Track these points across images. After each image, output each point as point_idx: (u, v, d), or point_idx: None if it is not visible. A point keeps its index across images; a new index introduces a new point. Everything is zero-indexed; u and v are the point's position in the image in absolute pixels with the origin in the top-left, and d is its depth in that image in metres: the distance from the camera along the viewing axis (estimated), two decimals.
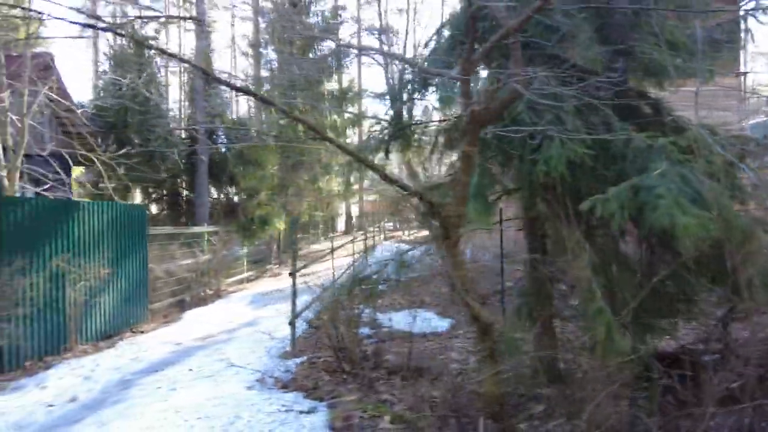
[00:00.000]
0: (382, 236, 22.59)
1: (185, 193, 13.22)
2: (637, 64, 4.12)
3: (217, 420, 3.95)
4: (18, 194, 6.97)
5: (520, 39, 3.08)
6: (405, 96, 4.63)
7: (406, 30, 27.75)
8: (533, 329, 4.06)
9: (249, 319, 8.67)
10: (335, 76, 19.11)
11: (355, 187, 19.87)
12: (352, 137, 19.49)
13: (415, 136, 4.69)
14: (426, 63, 4.23)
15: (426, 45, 4.35)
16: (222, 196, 12.78)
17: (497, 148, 3.84)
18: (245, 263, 12.96)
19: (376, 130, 5.10)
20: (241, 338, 7.11)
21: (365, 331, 6.81)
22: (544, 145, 3.49)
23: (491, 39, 2.48)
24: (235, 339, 7.10)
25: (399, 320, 7.32)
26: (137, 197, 13.55)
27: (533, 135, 3.35)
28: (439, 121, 4.63)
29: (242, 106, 25.30)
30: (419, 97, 4.46)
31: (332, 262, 10.48)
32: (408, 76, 4.37)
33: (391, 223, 26.08)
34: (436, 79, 3.89)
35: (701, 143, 3.32)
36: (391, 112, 4.66)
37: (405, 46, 26.24)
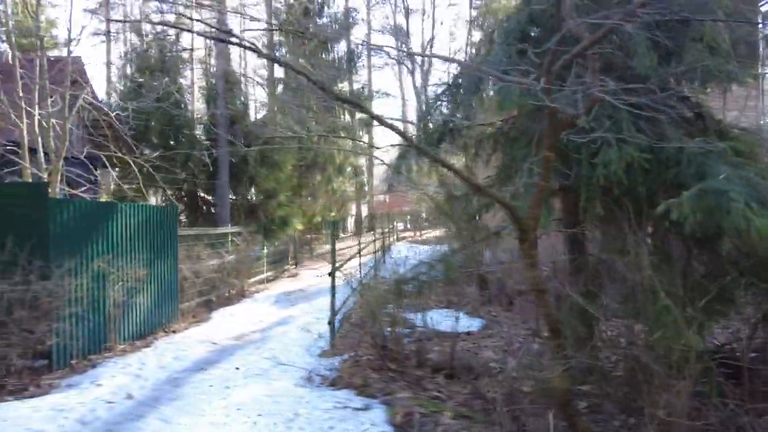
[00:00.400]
0: (394, 237, 22.66)
1: (203, 194, 13.33)
2: (684, 69, 4.23)
3: (278, 416, 4.07)
4: (59, 196, 7.10)
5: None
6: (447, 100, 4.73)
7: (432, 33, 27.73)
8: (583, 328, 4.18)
9: (278, 319, 8.79)
10: (348, 78, 19.28)
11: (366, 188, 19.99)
12: (366, 137, 19.54)
13: (462, 138, 4.80)
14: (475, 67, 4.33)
15: (479, 49, 4.46)
16: (241, 197, 12.89)
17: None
18: (265, 264, 13.09)
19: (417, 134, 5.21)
20: (276, 337, 7.23)
21: (401, 330, 6.94)
22: (602, 150, 3.60)
23: (573, 50, 2.59)
24: (269, 338, 7.21)
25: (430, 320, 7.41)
26: (153, 200, 13.69)
27: (594, 140, 3.46)
28: (487, 124, 4.73)
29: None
30: (464, 101, 4.56)
31: (359, 260, 10.59)
32: (458, 80, 4.47)
33: (402, 224, 26.21)
34: (490, 84, 4.00)
35: (757, 147, 3.44)
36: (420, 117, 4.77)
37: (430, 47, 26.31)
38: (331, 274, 6.47)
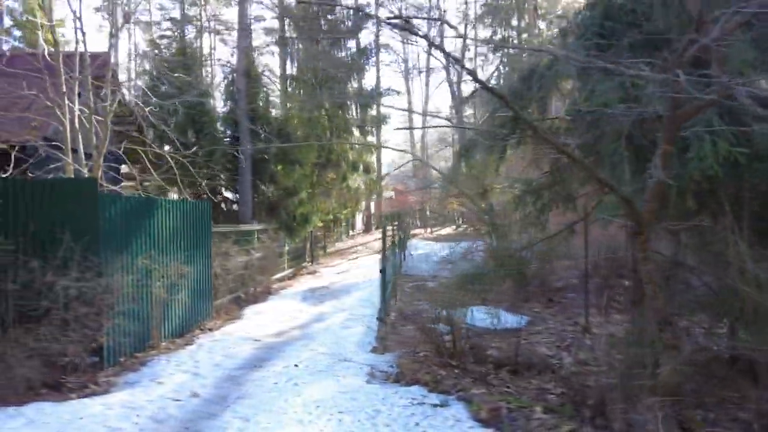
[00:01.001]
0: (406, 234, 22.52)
1: (224, 191, 13.23)
2: None
3: (360, 413, 4.02)
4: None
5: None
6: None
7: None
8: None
9: (311, 316, 8.73)
10: (358, 74, 19.18)
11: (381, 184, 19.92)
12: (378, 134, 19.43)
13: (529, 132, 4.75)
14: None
15: (563, 34, 4.41)
16: (261, 194, 12.79)
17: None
18: (286, 261, 13.02)
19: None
20: (318, 334, 7.17)
21: (444, 327, 6.90)
22: (693, 144, 3.58)
23: (698, 43, 2.56)
24: (312, 335, 7.16)
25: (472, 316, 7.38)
26: (171, 197, 13.56)
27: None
28: (557, 118, 4.69)
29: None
30: (538, 94, 4.52)
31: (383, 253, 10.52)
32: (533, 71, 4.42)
33: (412, 221, 26.17)
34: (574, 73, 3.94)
35: None
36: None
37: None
38: (382, 271, 6.39)
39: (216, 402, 4.60)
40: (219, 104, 13.69)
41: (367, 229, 26.57)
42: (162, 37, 12.60)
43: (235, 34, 17.78)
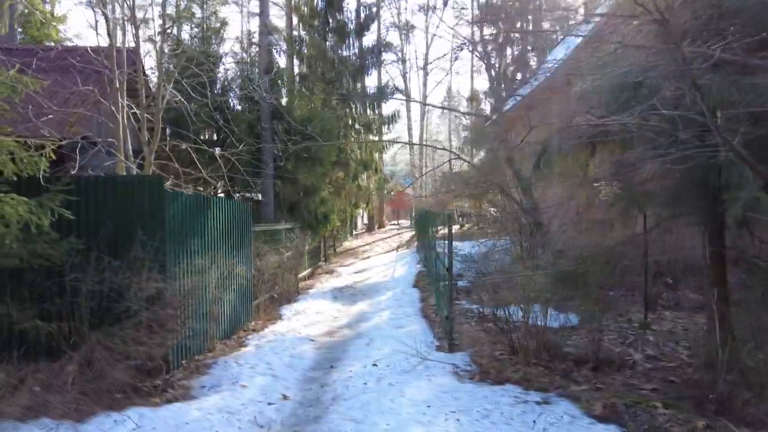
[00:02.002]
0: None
1: (243, 190, 13.01)
2: None
3: (472, 413, 3.99)
4: None
5: None
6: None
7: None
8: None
9: (353, 315, 8.66)
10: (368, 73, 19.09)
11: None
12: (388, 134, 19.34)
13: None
14: None
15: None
16: (282, 193, 12.63)
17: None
18: (306, 261, 12.88)
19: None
20: (371, 333, 7.09)
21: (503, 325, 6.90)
22: None
23: None
24: (366, 334, 7.08)
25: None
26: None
27: None
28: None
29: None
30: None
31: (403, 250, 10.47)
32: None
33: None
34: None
35: None
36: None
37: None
38: (449, 269, 6.35)
39: (310, 404, 4.51)
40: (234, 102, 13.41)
41: (369, 229, 26.47)
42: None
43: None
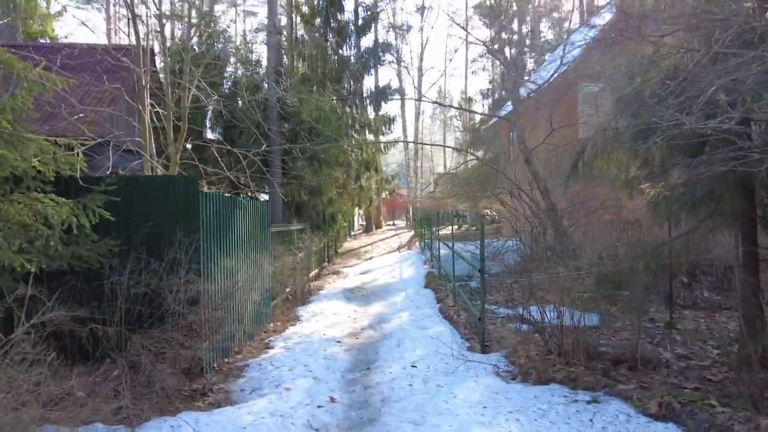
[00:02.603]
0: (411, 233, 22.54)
1: (250, 191, 12.87)
2: None
3: (529, 412, 4.02)
4: None
5: None
6: None
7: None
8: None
9: (372, 317, 8.62)
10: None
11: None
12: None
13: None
14: None
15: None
16: (290, 194, 12.53)
17: None
18: (313, 261, 12.82)
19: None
20: (397, 334, 7.07)
21: (523, 326, 6.95)
22: None
23: None
24: (391, 335, 7.06)
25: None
26: None
27: None
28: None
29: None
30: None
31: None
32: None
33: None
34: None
35: None
36: None
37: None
38: (481, 270, 6.35)
39: (360, 407, 4.48)
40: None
41: (367, 230, 26.40)
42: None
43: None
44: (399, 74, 28.47)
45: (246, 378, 5.30)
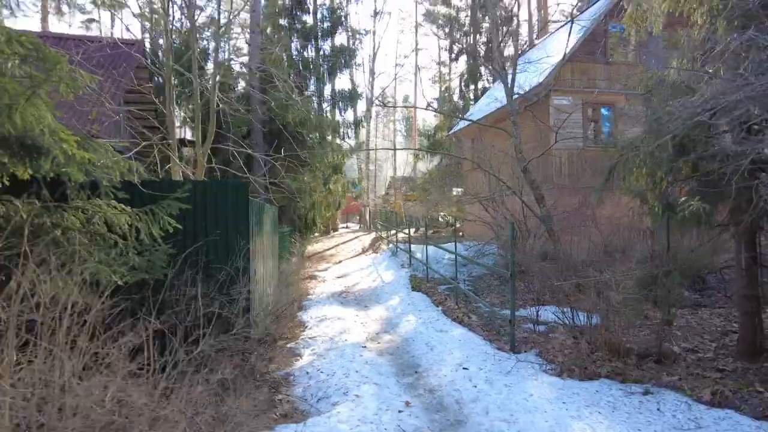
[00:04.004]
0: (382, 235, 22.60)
1: None
2: None
3: (601, 405, 4.37)
4: None
5: None
6: None
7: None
8: None
9: (379, 321, 8.72)
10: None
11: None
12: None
13: None
14: None
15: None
16: (272, 198, 12.31)
17: None
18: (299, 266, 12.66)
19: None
20: (416, 338, 7.22)
21: (530, 326, 7.41)
22: None
23: None
24: (412, 339, 7.21)
25: (546, 316, 7.93)
26: None
27: None
28: None
29: None
30: None
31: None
32: None
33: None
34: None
35: None
36: None
37: None
38: (512, 275, 6.66)
39: (437, 409, 4.62)
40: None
41: (325, 233, 26.14)
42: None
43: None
44: (351, 78, 28.57)
45: (301, 386, 5.24)
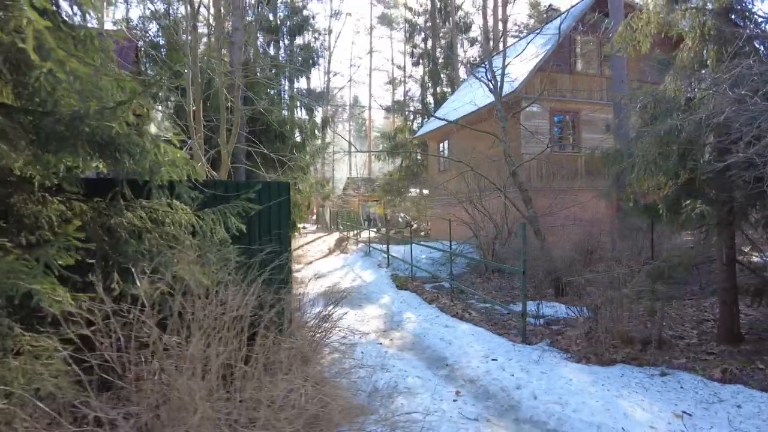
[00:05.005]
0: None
1: None
2: None
3: (633, 386, 4.87)
4: None
5: None
6: None
7: None
8: None
9: (379, 318, 8.91)
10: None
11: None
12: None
13: None
14: None
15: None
16: None
17: None
18: None
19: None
20: (426, 334, 7.47)
21: (533, 320, 7.94)
22: None
23: None
24: (423, 335, 7.45)
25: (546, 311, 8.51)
26: None
27: None
28: None
29: None
30: None
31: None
32: None
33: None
34: None
35: None
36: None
37: None
38: (524, 272, 7.10)
39: (485, 397, 4.93)
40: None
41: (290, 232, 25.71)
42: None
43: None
44: (308, 77, 28.41)
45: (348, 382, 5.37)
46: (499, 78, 9.70)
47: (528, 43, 10.67)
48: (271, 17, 18.29)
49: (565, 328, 7.40)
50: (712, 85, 5.80)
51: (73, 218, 3.17)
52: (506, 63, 9.83)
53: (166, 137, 3.63)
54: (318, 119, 19.26)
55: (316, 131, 19.31)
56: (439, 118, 12.34)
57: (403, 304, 9.96)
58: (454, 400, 4.78)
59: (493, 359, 5.96)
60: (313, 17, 19.24)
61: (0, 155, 2.90)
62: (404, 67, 30.38)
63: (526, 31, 18.10)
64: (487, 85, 9.61)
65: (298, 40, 23.26)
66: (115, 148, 3.22)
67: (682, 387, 4.90)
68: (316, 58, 18.57)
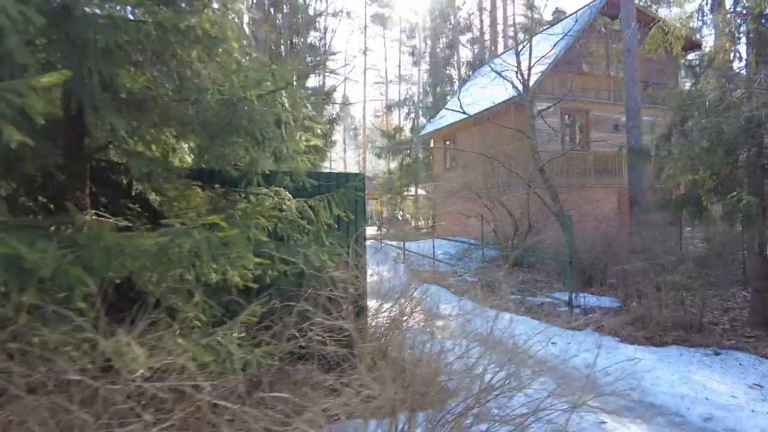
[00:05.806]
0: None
1: None
2: None
3: (697, 363, 5.22)
4: None
5: None
6: None
7: None
8: None
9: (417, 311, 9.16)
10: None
11: None
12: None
13: None
14: None
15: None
16: None
17: None
18: None
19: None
20: (473, 323, 7.81)
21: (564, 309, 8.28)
22: None
23: None
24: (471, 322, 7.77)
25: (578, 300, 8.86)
26: None
27: None
28: None
29: None
30: None
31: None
32: None
33: None
34: None
35: None
36: None
37: None
38: (570, 262, 7.43)
39: (561, 377, 5.22)
40: None
41: None
42: None
43: None
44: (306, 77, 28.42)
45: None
46: (526, 75, 10.04)
47: (554, 45, 11.05)
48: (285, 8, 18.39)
49: (601, 315, 7.76)
50: (756, 86, 6.22)
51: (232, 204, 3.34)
52: (532, 63, 10.17)
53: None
54: (333, 116, 19.34)
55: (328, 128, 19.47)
56: (458, 111, 12.57)
57: (433, 296, 10.21)
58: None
59: (552, 343, 6.26)
60: (319, 15, 19.40)
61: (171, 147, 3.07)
62: (399, 66, 30.78)
63: (539, 28, 18.54)
64: (512, 82, 9.93)
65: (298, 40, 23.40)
66: (263, 136, 3.40)
67: (740, 364, 5.28)
68: (325, 56, 18.66)
